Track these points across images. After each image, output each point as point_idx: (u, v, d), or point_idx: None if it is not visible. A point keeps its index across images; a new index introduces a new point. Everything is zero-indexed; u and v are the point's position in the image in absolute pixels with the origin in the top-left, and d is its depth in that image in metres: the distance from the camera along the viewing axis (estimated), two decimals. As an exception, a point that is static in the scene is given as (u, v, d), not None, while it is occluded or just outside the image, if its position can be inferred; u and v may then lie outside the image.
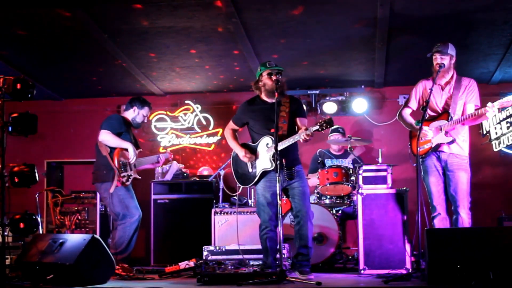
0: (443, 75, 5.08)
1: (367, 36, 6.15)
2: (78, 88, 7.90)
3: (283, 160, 4.77)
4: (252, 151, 5.10)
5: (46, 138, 7.84)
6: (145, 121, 5.93)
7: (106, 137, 5.52)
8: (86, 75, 7.42)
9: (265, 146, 5.01)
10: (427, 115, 5.11)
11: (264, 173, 5.01)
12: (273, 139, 4.86)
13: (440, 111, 5.12)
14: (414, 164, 4.98)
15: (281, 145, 4.85)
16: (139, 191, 6.00)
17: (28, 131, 4.85)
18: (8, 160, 4.80)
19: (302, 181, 5.05)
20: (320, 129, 4.77)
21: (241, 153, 5.11)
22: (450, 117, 5.02)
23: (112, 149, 5.55)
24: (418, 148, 4.97)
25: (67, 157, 7.51)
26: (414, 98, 5.27)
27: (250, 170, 5.10)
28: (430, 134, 5.05)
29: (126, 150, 5.58)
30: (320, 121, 4.77)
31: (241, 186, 5.34)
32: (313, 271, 5.13)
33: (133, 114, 5.79)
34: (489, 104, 4.85)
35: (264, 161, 4.99)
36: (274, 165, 4.85)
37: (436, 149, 5.06)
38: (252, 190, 6.49)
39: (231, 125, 5.33)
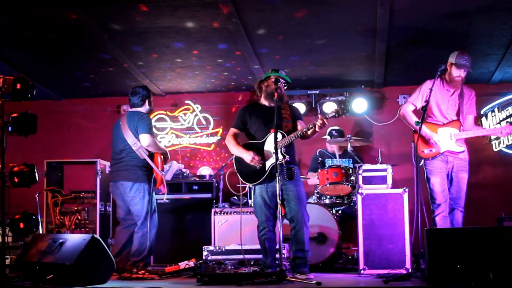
0: (460, 85, 5.22)
1: (367, 36, 6.15)
2: (78, 88, 7.90)
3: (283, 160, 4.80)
4: (258, 149, 5.05)
5: (46, 138, 7.84)
6: None
7: (151, 142, 5.50)
8: (86, 75, 7.42)
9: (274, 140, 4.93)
10: (432, 118, 5.19)
11: (273, 168, 4.90)
12: (283, 133, 4.92)
13: (449, 118, 5.18)
14: (420, 166, 5.04)
15: (293, 137, 4.91)
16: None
17: (28, 131, 4.84)
18: (8, 160, 4.80)
19: (298, 184, 5.01)
20: (336, 115, 4.87)
21: (247, 156, 5.00)
22: (461, 126, 5.12)
23: (150, 152, 5.55)
24: (424, 151, 5.04)
25: (67, 157, 7.50)
26: (421, 96, 5.28)
27: (258, 167, 5.01)
28: (441, 144, 5.11)
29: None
30: (337, 108, 4.91)
31: (245, 186, 5.29)
32: (313, 271, 5.14)
33: (148, 107, 5.72)
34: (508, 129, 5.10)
35: (274, 155, 4.87)
36: (284, 156, 4.84)
37: (443, 153, 5.12)
38: (252, 190, 6.49)
39: (232, 130, 5.26)
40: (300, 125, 5.17)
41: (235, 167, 5.19)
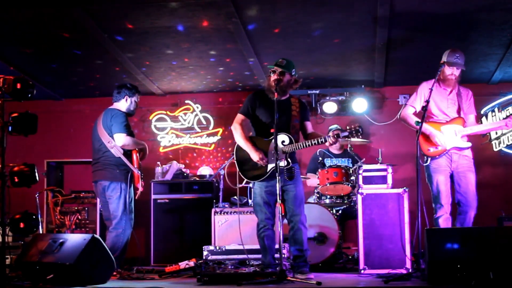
0: (455, 84, 5.22)
1: (367, 35, 6.15)
2: (78, 88, 7.90)
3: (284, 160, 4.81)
4: (264, 146, 5.00)
5: (46, 138, 7.83)
6: (137, 107, 5.75)
7: (127, 141, 5.43)
8: (86, 75, 7.42)
9: (281, 144, 4.89)
10: (433, 118, 5.19)
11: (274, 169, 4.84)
12: (290, 137, 4.90)
13: (450, 116, 5.19)
14: (425, 164, 5.07)
15: (300, 146, 4.89)
16: (139, 191, 6.02)
17: (28, 131, 4.84)
18: (8, 160, 4.80)
19: (298, 185, 4.99)
20: (349, 137, 4.81)
21: (255, 156, 4.93)
22: (465, 123, 5.16)
23: (126, 150, 5.49)
24: (430, 149, 5.06)
25: (67, 157, 7.50)
26: (419, 98, 5.28)
27: (259, 165, 4.97)
28: (444, 141, 5.10)
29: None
30: (351, 127, 4.80)
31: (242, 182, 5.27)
32: (313, 271, 5.13)
33: (126, 104, 5.61)
34: None
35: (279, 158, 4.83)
36: (288, 164, 4.85)
37: (449, 151, 5.12)
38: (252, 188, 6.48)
39: (240, 118, 5.10)
40: (308, 127, 5.14)
41: (235, 157, 5.11)
